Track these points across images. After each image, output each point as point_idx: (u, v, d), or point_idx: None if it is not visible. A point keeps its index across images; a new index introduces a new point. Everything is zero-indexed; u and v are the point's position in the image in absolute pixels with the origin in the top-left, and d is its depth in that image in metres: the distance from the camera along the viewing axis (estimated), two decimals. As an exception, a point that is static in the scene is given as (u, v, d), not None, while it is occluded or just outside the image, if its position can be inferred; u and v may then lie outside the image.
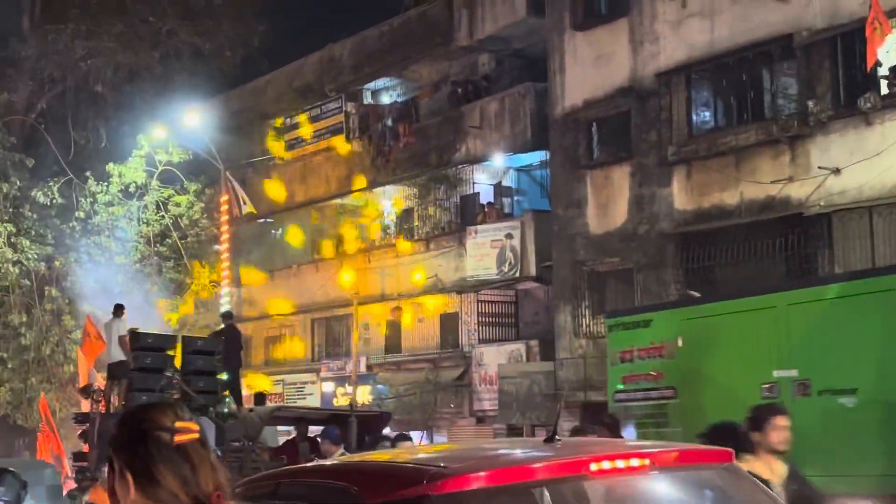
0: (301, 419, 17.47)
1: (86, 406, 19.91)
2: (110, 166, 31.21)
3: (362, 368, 29.45)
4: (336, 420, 16.08)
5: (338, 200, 32.17)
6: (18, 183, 30.66)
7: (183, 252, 32.35)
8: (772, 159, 19.67)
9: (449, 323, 28.61)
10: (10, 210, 30.54)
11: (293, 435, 18.49)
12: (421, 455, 4.99)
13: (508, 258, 26.02)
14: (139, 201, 31.98)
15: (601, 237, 22.69)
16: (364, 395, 28.87)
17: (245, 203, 28.98)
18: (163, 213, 32.24)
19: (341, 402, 28.41)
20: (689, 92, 21.13)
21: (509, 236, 25.98)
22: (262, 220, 33.92)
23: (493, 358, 26.14)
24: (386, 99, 32.43)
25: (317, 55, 33.14)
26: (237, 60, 34.87)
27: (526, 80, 27.02)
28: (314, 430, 16.64)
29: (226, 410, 18.27)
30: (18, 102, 33.21)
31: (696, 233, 20.74)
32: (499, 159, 27.88)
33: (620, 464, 3.95)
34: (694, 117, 21.21)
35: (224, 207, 29.24)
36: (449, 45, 28.66)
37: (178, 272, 32.16)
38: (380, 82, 32.27)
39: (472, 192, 29.09)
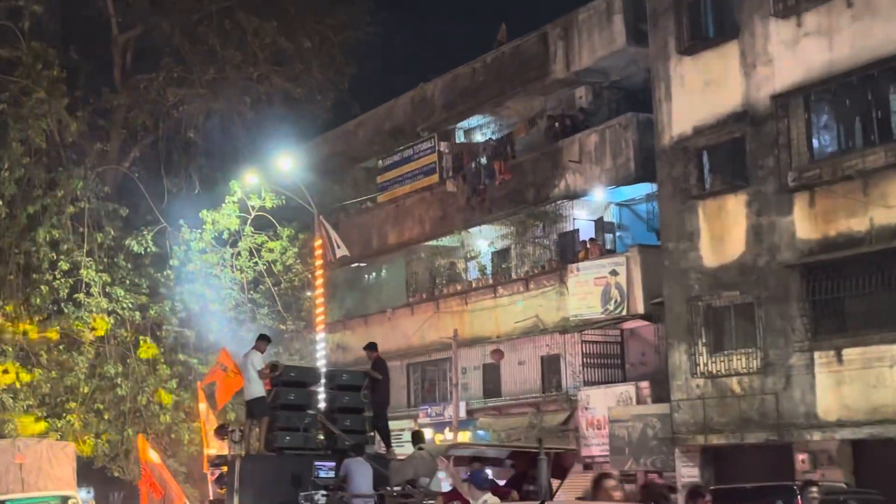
0: (476, 459, 14.98)
1: (216, 446, 19.01)
2: (203, 213, 30.93)
3: (462, 414, 28.55)
4: (518, 458, 14.03)
5: (433, 242, 31.47)
6: (112, 233, 30.48)
7: (277, 298, 31.86)
8: (903, 182, 18.46)
9: (551, 365, 27.60)
10: (105, 260, 30.33)
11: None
12: None
13: (614, 296, 24.96)
14: (232, 248, 31.62)
15: (717, 270, 21.55)
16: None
17: (339, 247, 28.33)
18: (256, 259, 31.83)
19: (441, 449, 27.50)
20: (809, 114, 19.99)
21: (614, 273, 24.93)
22: (355, 265, 33.36)
23: (601, 401, 25.03)
24: (479, 137, 31.72)
25: (408, 95, 32.65)
26: (328, 104, 34.59)
27: (624, 112, 26.10)
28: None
29: (374, 451, 16.99)
30: (111, 152, 33.15)
31: (821, 263, 19.52)
32: (599, 194, 26.89)
33: None
34: (815, 141, 20.04)
35: (318, 252, 28.66)
36: (544, 79, 27.88)
37: (272, 318, 31.61)
38: (473, 120, 31.60)
39: (570, 228, 28.12)
